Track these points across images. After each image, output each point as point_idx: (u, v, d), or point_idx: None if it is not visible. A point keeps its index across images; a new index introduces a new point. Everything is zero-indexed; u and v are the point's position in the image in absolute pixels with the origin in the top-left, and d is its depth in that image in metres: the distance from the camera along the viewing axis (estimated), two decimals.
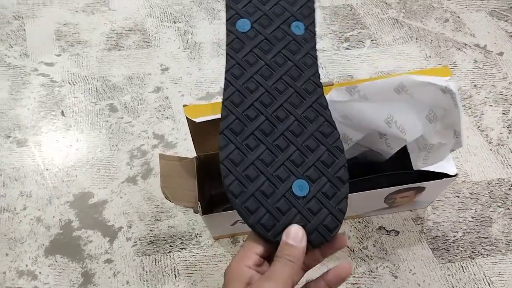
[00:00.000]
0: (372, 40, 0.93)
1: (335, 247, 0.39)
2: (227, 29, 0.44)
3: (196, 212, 0.56)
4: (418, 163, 0.58)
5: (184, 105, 0.53)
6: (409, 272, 0.66)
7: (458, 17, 0.96)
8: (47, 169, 0.75)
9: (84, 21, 0.95)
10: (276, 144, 0.40)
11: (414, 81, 0.50)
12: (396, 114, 0.52)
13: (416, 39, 0.92)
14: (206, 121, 0.52)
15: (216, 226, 0.64)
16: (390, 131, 0.53)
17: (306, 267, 0.39)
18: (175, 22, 0.95)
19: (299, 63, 0.43)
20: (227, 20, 0.44)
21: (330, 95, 0.51)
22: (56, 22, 0.95)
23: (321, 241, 0.38)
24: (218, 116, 0.53)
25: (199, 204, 0.56)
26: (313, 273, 0.40)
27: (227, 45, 0.44)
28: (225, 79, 0.43)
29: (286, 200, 0.38)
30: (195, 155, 0.61)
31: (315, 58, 0.44)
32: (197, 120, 0.52)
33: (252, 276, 0.35)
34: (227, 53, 0.43)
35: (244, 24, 0.44)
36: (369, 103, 0.51)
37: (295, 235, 0.36)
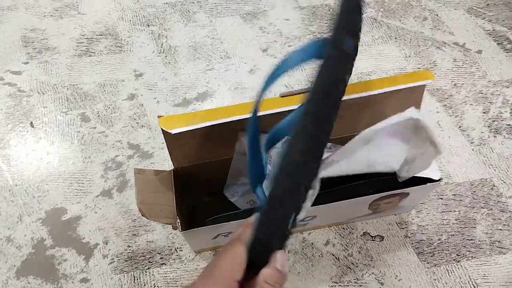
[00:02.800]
0: None
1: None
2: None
3: (175, 228, 0.54)
4: (403, 175, 0.57)
5: (159, 116, 0.51)
6: (395, 278, 0.65)
7: (437, 15, 0.96)
8: (16, 185, 0.71)
9: (52, 26, 0.91)
10: None
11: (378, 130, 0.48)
12: (377, 159, 0.50)
13: (395, 38, 0.91)
14: (183, 132, 0.50)
15: (197, 240, 0.62)
16: (375, 169, 0.52)
17: None
18: (148, 25, 0.92)
19: None
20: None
21: None
22: (23, 27, 0.91)
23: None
24: (195, 126, 0.51)
25: (178, 219, 0.54)
26: None
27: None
28: None
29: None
30: (172, 167, 0.59)
31: None
32: (173, 131, 0.49)
33: None
34: None
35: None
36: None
37: (283, 262, 0.35)
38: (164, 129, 0.50)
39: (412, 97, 0.59)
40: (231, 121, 0.51)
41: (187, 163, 0.58)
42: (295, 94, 0.53)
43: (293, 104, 0.52)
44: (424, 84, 0.56)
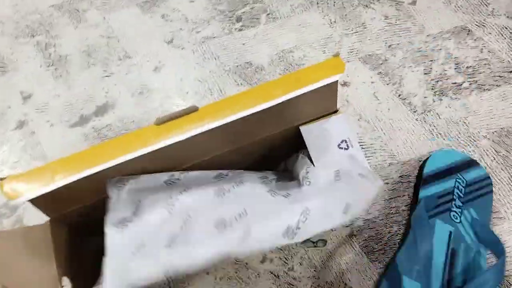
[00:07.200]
0: (268, 14, 0.79)
1: None
2: None
3: None
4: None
5: (1, 178, 0.40)
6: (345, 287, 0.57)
7: None
8: None
9: None
10: None
11: None
12: None
13: (317, 3, 0.80)
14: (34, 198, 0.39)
15: None
16: None
17: None
18: (33, 36, 0.79)
19: None
20: None
21: None
22: None
23: None
24: (45, 189, 0.40)
25: (70, 283, 0.44)
26: None
27: None
28: None
29: None
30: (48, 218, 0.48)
31: None
32: (17, 201, 0.39)
33: None
34: None
35: None
36: None
37: None
38: (11, 200, 0.40)
39: (325, 95, 0.48)
40: (92, 174, 0.40)
41: (66, 209, 0.48)
42: (174, 118, 0.42)
43: (175, 134, 0.42)
44: (337, 80, 0.46)
